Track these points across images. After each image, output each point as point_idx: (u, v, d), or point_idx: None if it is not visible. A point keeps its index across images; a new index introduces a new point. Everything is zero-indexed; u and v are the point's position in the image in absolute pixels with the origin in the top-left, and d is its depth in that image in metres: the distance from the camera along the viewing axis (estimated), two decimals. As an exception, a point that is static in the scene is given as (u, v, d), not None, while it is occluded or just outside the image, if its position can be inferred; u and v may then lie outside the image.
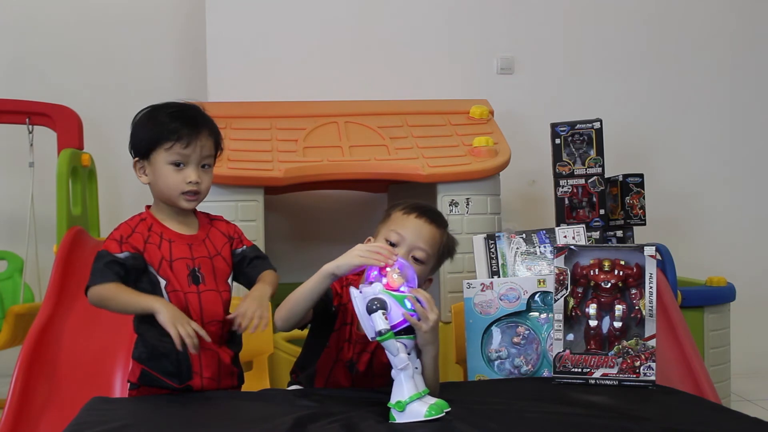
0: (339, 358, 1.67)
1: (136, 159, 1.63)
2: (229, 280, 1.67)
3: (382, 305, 1.34)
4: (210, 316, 1.59)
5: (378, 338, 1.32)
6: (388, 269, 1.41)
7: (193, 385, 1.57)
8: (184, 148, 1.58)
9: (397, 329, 1.34)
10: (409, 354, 1.35)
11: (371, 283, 1.40)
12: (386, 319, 1.33)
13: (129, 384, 1.63)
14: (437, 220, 1.70)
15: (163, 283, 1.57)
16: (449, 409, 1.32)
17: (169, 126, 1.58)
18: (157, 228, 1.61)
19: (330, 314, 1.66)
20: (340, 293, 1.67)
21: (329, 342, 1.67)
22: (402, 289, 1.39)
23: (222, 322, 1.61)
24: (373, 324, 1.33)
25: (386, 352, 1.35)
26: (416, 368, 1.36)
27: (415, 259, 1.63)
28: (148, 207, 1.67)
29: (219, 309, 1.62)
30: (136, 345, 1.61)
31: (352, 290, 1.39)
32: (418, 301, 1.40)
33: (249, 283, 1.69)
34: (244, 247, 1.71)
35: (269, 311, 1.60)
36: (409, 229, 1.64)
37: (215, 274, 1.63)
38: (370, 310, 1.34)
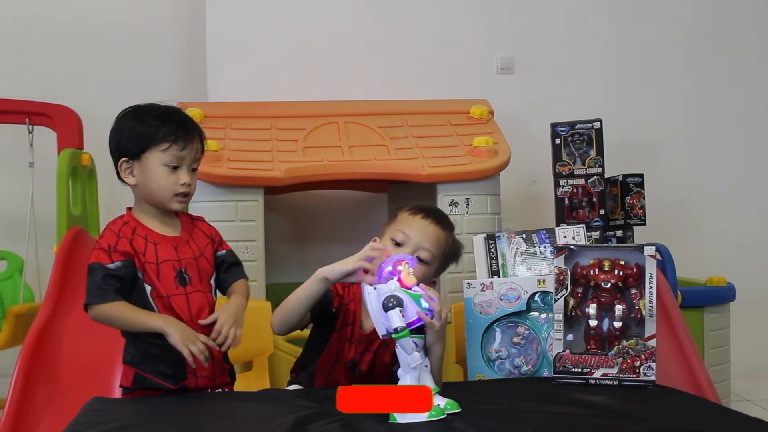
0: (339, 358, 1.67)
1: (124, 159, 1.60)
2: (212, 281, 1.67)
3: (399, 303, 1.34)
4: (199, 316, 1.59)
5: (394, 336, 1.32)
6: (400, 267, 1.41)
7: (188, 385, 1.57)
8: (181, 150, 1.58)
9: (412, 327, 1.34)
10: (419, 353, 1.35)
11: (386, 280, 1.41)
12: (402, 316, 1.33)
13: (122, 389, 1.62)
14: (443, 222, 1.71)
15: (148, 289, 1.56)
16: (456, 410, 1.31)
17: (165, 127, 1.58)
18: (141, 231, 1.60)
19: (330, 315, 1.66)
20: (342, 294, 1.68)
21: (330, 342, 1.67)
22: (414, 288, 1.39)
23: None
24: (389, 321, 1.33)
25: (398, 350, 1.34)
26: (426, 366, 1.37)
27: (420, 260, 1.64)
28: (129, 209, 1.66)
29: (206, 309, 1.61)
30: (127, 349, 1.60)
31: (366, 287, 1.39)
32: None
33: (222, 289, 1.70)
34: (224, 251, 1.71)
35: (242, 327, 1.60)
36: (414, 229, 1.65)
37: (200, 274, 1.63)
38: (386, 308, 1.34)
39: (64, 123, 2.95)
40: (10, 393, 2.04)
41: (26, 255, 3.08)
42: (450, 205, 2.65)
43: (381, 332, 1.35)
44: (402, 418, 1.28)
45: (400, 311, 1.33)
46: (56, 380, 2.13)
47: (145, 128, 1.58)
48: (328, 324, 1.68)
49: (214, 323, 1.57)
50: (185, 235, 1.65)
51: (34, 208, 3.04)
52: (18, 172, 3.28)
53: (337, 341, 1.67)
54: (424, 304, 1.37)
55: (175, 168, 1.59)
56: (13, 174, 3.52)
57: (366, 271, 1.49)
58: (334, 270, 1.51)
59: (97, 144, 3.22)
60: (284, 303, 1.58)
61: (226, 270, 1.70)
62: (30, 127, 3.02)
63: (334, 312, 1.67)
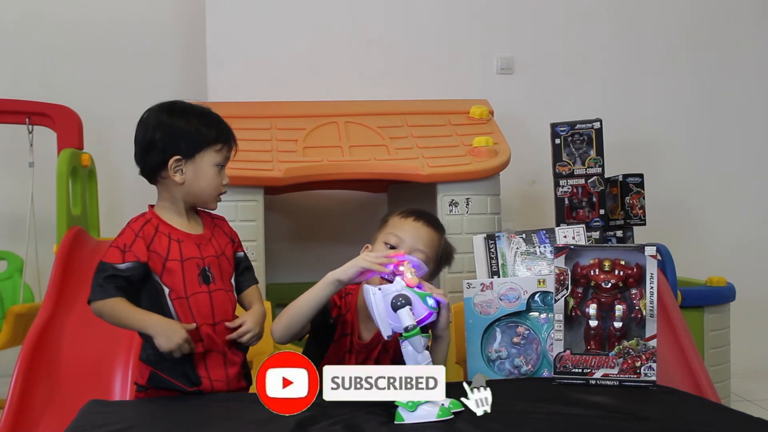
0: None
1: (177, 157, 1.58)
2: (233, 280, 1.67)
3: (408, 301, 1.34)
4: (221, 315, 1.59)
5: (404, 334, 1.32)
6: (402, 267, 1.41)
7: (203, 389, 1.56)
8: (229, 152, 1.64)
9: (421, 325, 1.34)
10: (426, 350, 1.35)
11: (389, 280, 1.41)
12: (413, 315, 1.33)
13: (136, 386, 1.61)
14: (434, 223, 1.72)
15: (166, 291, 1.55)
16: (459, 409, 1.31)
17: (219, 128, 1.62)
18: (164, 229, 1.59)
19: (328, 325, 1.66)
20: (339, 305, 1.67)
21: (328, 353, 1.67)
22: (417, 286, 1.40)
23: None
24: (398, 321, 1.33)
25: (405, 349, 1.34)
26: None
27: None
28: (151, 206, 1.65)
29: (228, 308, 1.62)
30: (144, 347, 1.60)
31: (370, 288, 1.38)
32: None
33: (236, 291, 1.70)
34: (242, 253, 1.72)
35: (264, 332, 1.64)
36: (407, 232, 1.65)
37: (222, 273, 1.63)
38: (395, 307, 1.33)
39: (64, 123, 2.95)
40: (10, 393, 2.04)
41: (26, 255, 3.08)
42: (450, 205, 2.65)
43: (386, 333, 1.35)
44: (410, 418, 1.27)
45: (410, 309, 1.33)
46: (56, 380, 2.14)
47: (201, 128, 1.60)
48: (325, 334, 1.67)
49: (235, 327, 1.60)
50: (207, 233, 1.65)
51: (34, 208, 3.04)
52: (18, 172, 3.28)
53: (335, 352, 1.66)
54: (431, 302, 1.38)
55: (222, 169, 1.63)
56: (13, 174, 3.53)
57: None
58: (347, 270, 1.50)
59: (97, 144, 3.24)
60: (288, 309, 1.56)
61: (241, 273, 1.71)
62: (30, 127, 3.02)
63: (332, 323, 1.66)
